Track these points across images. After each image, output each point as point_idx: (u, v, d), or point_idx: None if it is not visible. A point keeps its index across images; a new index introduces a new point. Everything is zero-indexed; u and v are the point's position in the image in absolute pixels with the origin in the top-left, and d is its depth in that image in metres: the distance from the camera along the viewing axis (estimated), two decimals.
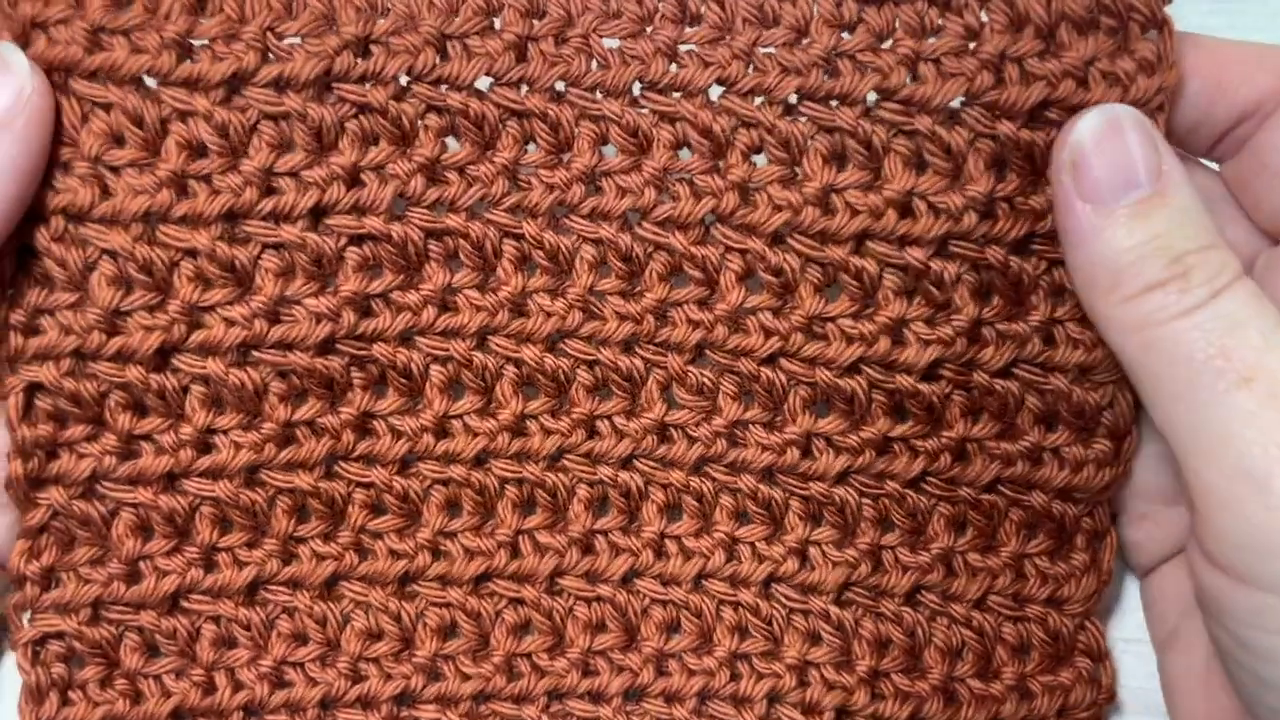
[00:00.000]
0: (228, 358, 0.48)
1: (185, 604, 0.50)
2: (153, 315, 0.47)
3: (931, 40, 0.46)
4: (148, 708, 0.49)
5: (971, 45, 0.46)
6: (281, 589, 0.50)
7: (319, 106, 0.46)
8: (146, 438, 0.48)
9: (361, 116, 0.47)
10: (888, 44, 0.47)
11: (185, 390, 0.48)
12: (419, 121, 0.47)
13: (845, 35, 0.47)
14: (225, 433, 0.48)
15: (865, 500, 0.50)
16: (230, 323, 0.47)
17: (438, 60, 0.46)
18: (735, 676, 0.51)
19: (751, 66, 0.47)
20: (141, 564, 0.49)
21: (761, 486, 0.50)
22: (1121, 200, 0.42)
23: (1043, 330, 0.49)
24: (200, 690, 0.50)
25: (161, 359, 0.48)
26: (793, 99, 0.47)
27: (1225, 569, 0.41)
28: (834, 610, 0.51)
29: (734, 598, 0.51)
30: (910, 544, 0.51)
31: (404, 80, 0.46)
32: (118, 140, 0.46)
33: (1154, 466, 0.51)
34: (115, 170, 0.46)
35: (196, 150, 0.47)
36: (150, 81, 0.46)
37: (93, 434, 0.48)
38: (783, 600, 0.51)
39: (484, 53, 0.46)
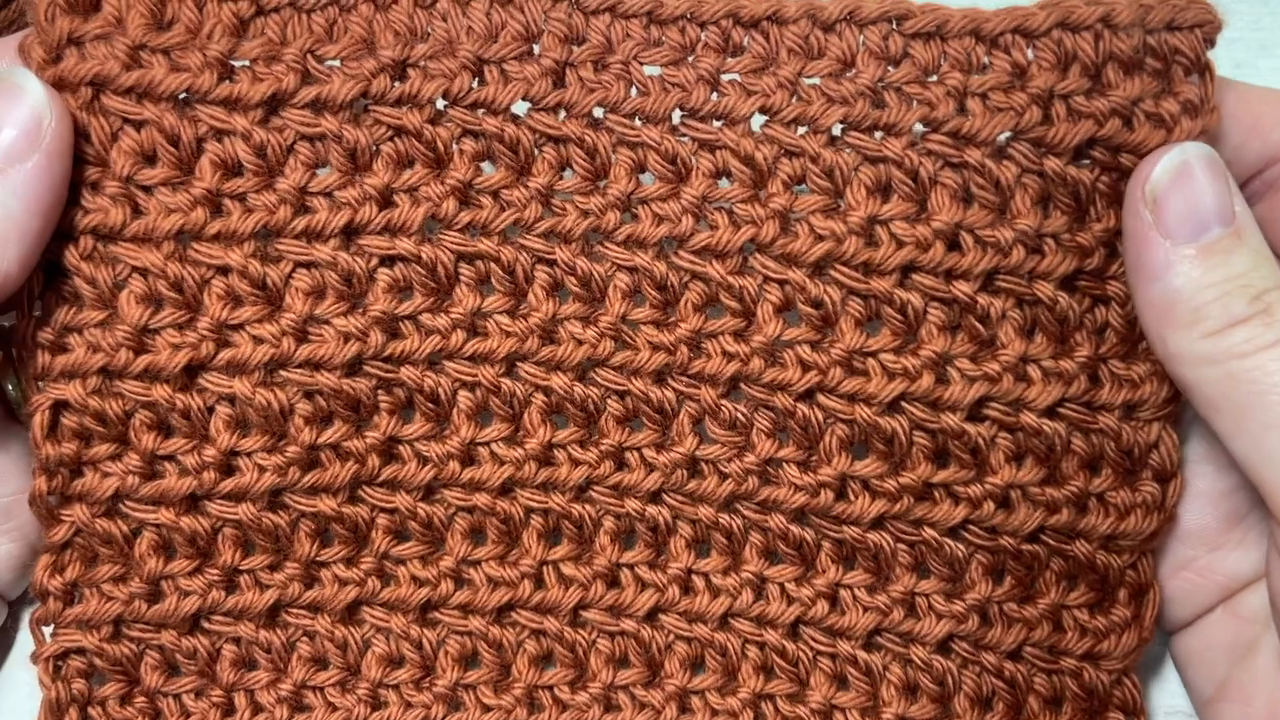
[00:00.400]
0: (255, 377, 0.47)
1: (206, 624, 0.50)
2: (181, 333, 0.47)
3: (978, 76, 0.45)
4: None
5: (1018, 82, 0.45)
6: (303, 612, 0.50)
7: (354, 128, 0.46)
8: (170, 458, 0.48)
9: (397, 139, 0.46)
10: (934, 78, 0.46)
11: (211, 410, 0.47)
12: (454, 145, 0.46)
13: (891, 69, 0.46)
14: (249, 455, 0.48)
15: (901, 546, 0.49)
16: (259, 340, 0.47)
17: (474, 84, 0.45)
18: (759, 717, 0.50)
19: (795, 96, 0.46)
20: (163, 583, 0.49)
21: (793, 527, 0.49)
22: (1201, 238, 0.43)
23: (1088, 368, 0.47)
24: (219, 711, 0.49)
25: (188, 378, 0.47)
26: (837, 129, 0.46)
27: None
28: (862, 655, 0.50)
29: (760, 637, 0.50)
30: (946, 592, 0.49)
31: (441, 104, 0.46)
32: (148, 158, 0.46)
33: (1196, 509, 0.50)
34: (147, 189, 0.46)
35: (231, 169, 0.46)
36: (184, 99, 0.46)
37: (117, 453, 0.48)
38: (810, 642, 0.50)
39: (521, 78, 0.46)
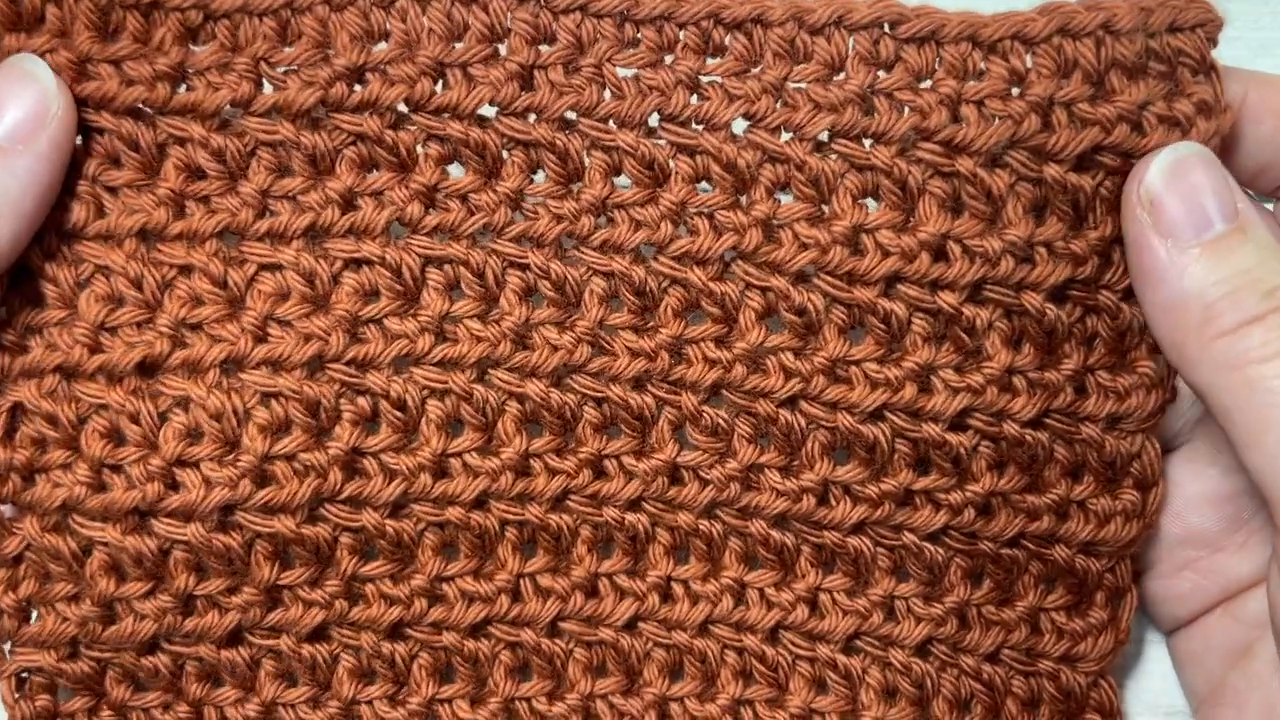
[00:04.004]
0: (210, 378, 0.45)
1: (166, 645, 0.48)
2: (139, 331, 0.45)
3: (974, 83, 0.44)
4: None
5: (1015, 90, 0.44)
6: (266, 633, 0.48)
7: (313, 134, 0.44)
8: (118, 469, 0.46)
9: (359, 145, 0.45)
10: (927, 84, 0.44)
11: (163, 418, 0.45)
12: (418, 149, 0.45)
13: (882, 74, 0.44)
14: (197, 466, 0.45)
15: (881, 550, 0.49)
16: (215, 339, 0.45)
17: (436, 89, 0.44)
18: None
19: (781, 101, 0.44)
20: (118, 605, 0.47)
21: (773, 532, 0.48)
22: (1203, 236, 0.42)
23: (1075, 379, 0.47)
24: None
25: (144, 381, 0.46)
26: (824, 136, 0.45)
27: None
28: (841, 659, 0.50)
29: (739, 642, 0.50)
30: (924, 595, 0.49)
31: (403, 109, 0.44)
32: (114, 161, 0.45)
33: (1198, 512, 0.50)
34: (113, 190, 0.46)
35: (195, 172, 0.46)
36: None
37: (68, 462, 0.46)
38: (789, 646, 0.50)
39: (487, 81, 0.44)
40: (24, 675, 0.47)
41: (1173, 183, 0.43)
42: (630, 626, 0.50)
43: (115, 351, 0.45)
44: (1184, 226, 0.42)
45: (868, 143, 0.45)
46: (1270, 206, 0.49)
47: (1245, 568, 0.49)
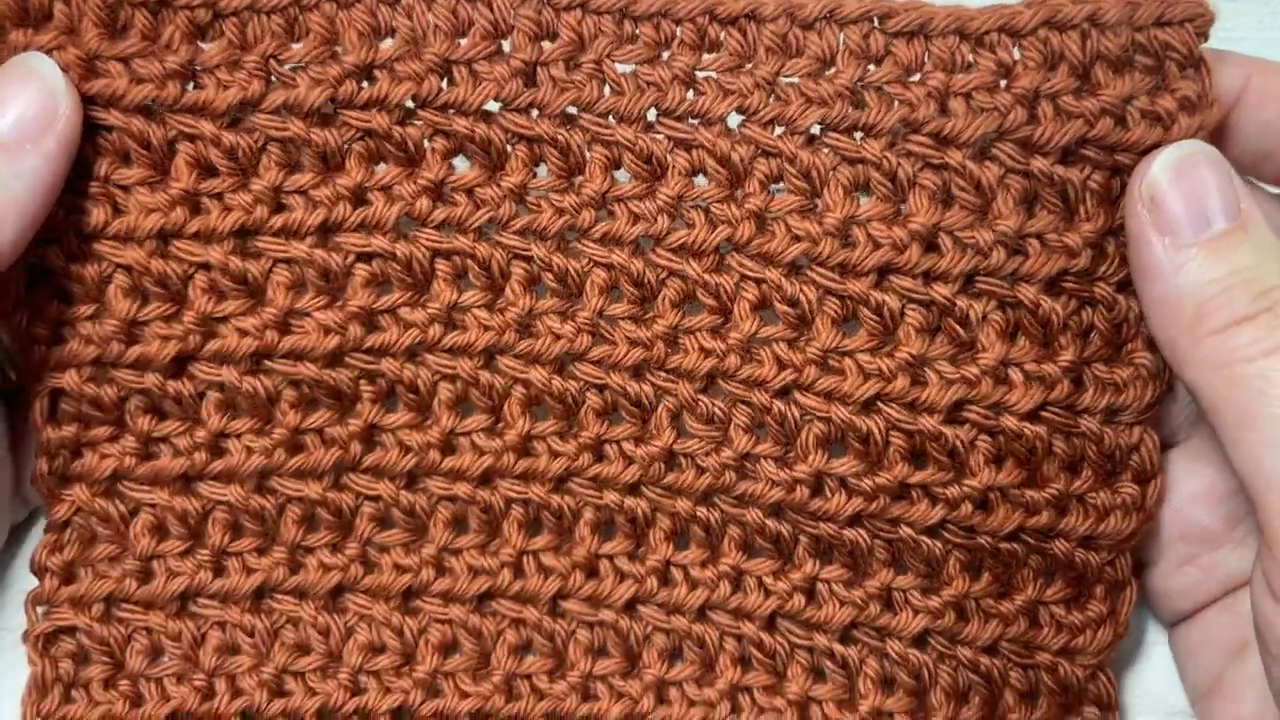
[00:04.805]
0: (241, 365, 0.48)
1: (193, 607, 0.51)
2: (169, 325, 0.48)
3: (962, 76, 0.45)
4: (145, 710, 0.50)
5: (1004, 82, 0.45)
6: (287, 598, 0.51)
7: (323, 131, 0.46)
8: (165, 440, 0.49)
9: (367, 140, 0.47)
10: (916, 78, 0.45)
11: (201, 396, 0.49)
12: (425, 143, 0.47)
13: (872, 67, 0.45)
14: (239, 437, 0.49)
15: (878, 542, 0.49)
16: (243, 333, 0.48)
17: (443, 86, 0.46)
18: (736, 709, 0.51)
19: (773, 96, 0.46)
20: (154, 564, 0.50)
21: (770, 521, 0.49)
22: (1202, 234, 0.42)
23: (1071, 371, 0.47)
24: (199, 695, 0.50)
25: (179, 366, 0.48)
26: (815, 130, 0.46)
27: None
28: (838, 648, 0.50)
29: (737, 629, 0.50)
30: (922, 587, 0.49)
31: (410, 105, 0.46)
32: (124, 158, 0.47)
33: (1197, 509, 0.49)
34: (125, 189, 0.47)
35: (206, 169, 0.47)
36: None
37: (114, 435, 0.49)
38: (787, 635, 0.50)
39: (492, 78, 0.46)
40: (51, 641, 0.50)
41: (1176, 180, 0.43)
42: (630, 609, 0.51)
43: (150, 345, 0.47)
44: (1183, 225, 0.42)
45: (858, 136, 0.45)
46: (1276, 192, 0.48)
47: (1244, 564, 0.48)
